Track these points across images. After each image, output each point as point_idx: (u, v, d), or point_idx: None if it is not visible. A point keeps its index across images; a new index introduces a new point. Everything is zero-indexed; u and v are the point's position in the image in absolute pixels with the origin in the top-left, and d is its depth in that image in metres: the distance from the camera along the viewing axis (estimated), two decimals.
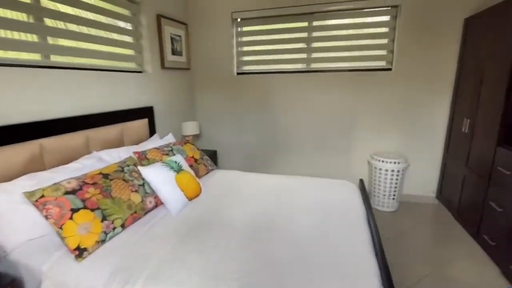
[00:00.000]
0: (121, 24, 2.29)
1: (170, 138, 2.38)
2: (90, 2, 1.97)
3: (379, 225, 2.39)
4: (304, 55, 3.01)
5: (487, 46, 2.11)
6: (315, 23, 2.90)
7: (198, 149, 2.30)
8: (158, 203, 1.66)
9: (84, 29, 1.97)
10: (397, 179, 2.64)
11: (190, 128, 2.93)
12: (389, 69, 2.76)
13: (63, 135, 1.72)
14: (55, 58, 1.80)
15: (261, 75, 3.13)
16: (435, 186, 2.85)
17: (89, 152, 1.82)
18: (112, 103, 2.13)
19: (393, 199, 2.69)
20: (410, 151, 2.82)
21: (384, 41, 2.78)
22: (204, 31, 3.15)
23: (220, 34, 3.12)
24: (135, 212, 1.49)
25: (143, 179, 1.64)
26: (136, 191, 1.55)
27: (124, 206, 1.45)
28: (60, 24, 1.82)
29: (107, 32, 2.13)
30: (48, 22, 1.74)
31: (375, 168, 2.70)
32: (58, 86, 1.75)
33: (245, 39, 3.15)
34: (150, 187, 1.64)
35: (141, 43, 2.49)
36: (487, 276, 1.82)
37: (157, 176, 1.65)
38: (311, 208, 1.65)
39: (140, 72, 2.48)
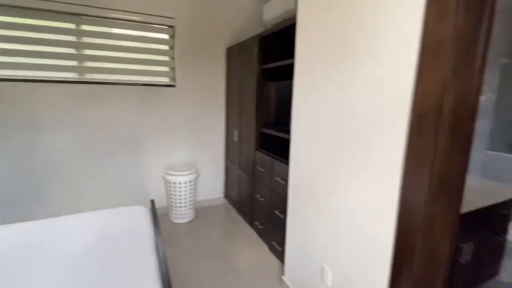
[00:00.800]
0: None
1: None
2: None
3: (177, 238, 2.46)
4: (74, 63, 2.51)
5: (241, 71, 2.68)
6: (85, 27, 2.49)
7: None
8: None
9: None
10: (191, 189, 2.79)
11: None
12: (173, 86, 2.87)
13: None
14: None
15: (10, 83, 2.27)
16: (222, 188, 3.30)
17: None
18: None
19: (190, 208, 2.83)
20: (199, 161, 3.08)
21: (166, 58, 2.86)
22: None
23: None
24: None
25: None
26: None
27: None
28: None
29: None
30: None
31: (170, 182, 2.72)
32: None
33: None
34: None
35: None
36: (261, 255, 2.28)
37: None
38: (85, 255, 1.34)
39: None
